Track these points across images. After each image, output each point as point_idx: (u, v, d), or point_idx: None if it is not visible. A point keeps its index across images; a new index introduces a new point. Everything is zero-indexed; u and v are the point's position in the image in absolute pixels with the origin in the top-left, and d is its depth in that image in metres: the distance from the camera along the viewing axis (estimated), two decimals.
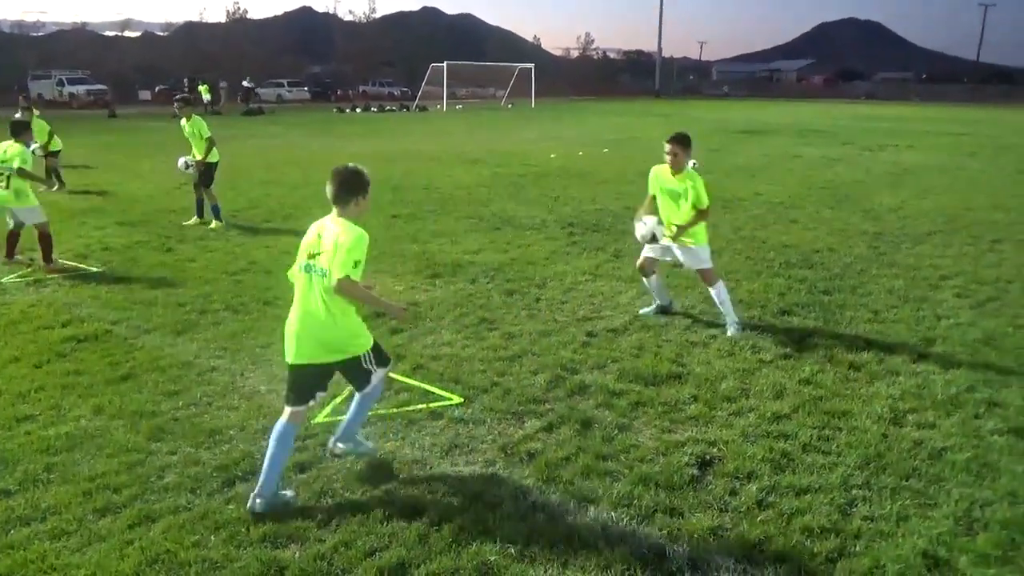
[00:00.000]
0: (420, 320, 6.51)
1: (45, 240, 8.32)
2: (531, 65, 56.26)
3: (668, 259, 6.51)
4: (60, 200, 13.00)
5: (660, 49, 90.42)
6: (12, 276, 8.02)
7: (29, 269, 8.26)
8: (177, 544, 3.41)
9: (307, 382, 3.85)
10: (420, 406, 4.82)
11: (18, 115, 14.17)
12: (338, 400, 4.90)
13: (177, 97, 11.68)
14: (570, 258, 8.75)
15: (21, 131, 8.58)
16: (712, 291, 6.30)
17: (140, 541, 3.44)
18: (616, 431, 4.49)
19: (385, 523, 3.57)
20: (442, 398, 4.94)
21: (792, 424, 4.56)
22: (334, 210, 3.83)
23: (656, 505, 3.70)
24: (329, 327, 3.76)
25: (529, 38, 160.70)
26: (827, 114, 42.67)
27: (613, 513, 3.64)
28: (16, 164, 8.20)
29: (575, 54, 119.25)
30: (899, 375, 5.30)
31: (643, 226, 6.25)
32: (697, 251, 6.27)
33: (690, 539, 3.45)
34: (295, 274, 3.89)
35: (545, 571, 3.25)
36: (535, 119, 37.78)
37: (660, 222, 6.26)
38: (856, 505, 3.71)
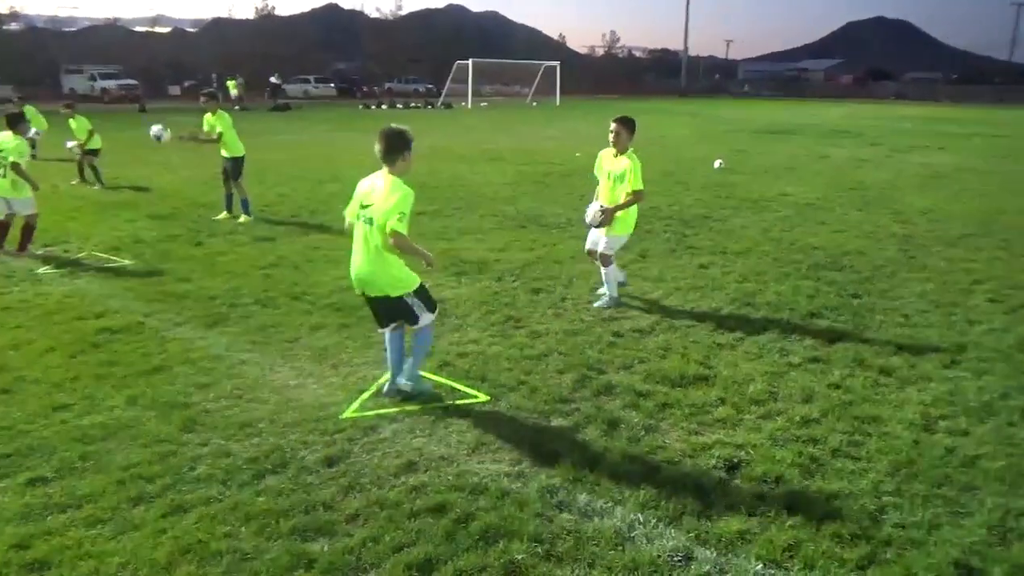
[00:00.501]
0: (446, 317, 6.54)
1: (29, 230, 8.75)
2: (556, 63, 56.18)
3: (596, 241, 6.93)
4: (92, 194, 13.23)
5: (686, 47, 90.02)
6: (47, 267, 8.17)
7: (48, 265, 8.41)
8: (209, 534, 3.46)
9: (376, 309, 4.79)
10: (447, 403, 4.85)
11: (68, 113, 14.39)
12: (365, 396, 4.94)
13: (204, 91, 11.86)
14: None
15: (17, 123, 8.79)
16: (603, 269, 6.82)
17: (173, 530, 3.50)
18: (643, 432, 4.48)
19: (412, 519, 3.60)
20: (469, 396, 4.96)
21: (821, 428, 4.52)
22: (384, 167, 4.53)
23: (683, 507, 3.69)
24: (376, 269, 4.57)
25: (554, 36, 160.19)
26: (855, 114, 42.15)
27: (640, 514, 3.64)
28: (12, 158, 8.45)
29: (600, 52, 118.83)
30: (931, 380, 5.24)
31: (589, 210, 6.78)
32: (612, 241, 6.78)
33: (717, 542, 3.44)
34: (351, 216, 4.68)
35: (572, 571, 3.26)
36: (560, 117, 37.70)
37: (602, 210, 6.67)
38: (887, 512, 3.67)
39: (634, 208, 6.79)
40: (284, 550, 3.35)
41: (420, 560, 3.29)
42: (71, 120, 14.40)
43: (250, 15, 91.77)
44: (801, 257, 8.74)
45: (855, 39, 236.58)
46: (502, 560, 3.30)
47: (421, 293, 4.73)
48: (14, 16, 77.52)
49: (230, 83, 45.46)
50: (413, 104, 49.72)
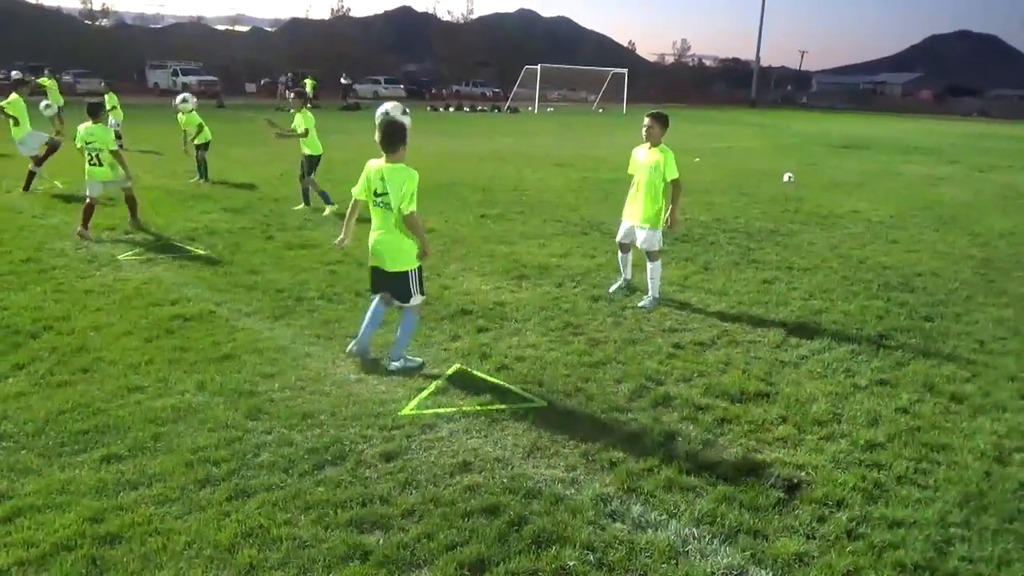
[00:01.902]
0: (505, 321, 6.59)
1: (131, 201, 9.75)
2: (624, 70, 55.83)
3: (633, 237, 7.20)
4: (172, 184, 13.75)
5: (758, 57, 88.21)
6: (128, 254, 8.54)
7: (138, 250, 8.77)
8: (270, 520, 3.57)
9: (379, 279, 5.41)
10: (503, 406, 4.88)
11: (186, 107, 14.80)
12: (424, 394, 5.01)
13: (294, 90, 12.37)
14: None
15: (97, 112, 9.59)
16: (650, 265, 7.04)
17: (236, 514, 3.62)
18: (700, 446, 4.43)
19: (466, 519, 3.64)
20: (525, 399, 4.99)
21: (887, 454, 4.39)
22: (384, 156, 5.14)
23: (739, 525, 3.64)
24: (393, 244, 5.20)
25: (624, 43, 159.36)
26: (934, 131, 40.68)
27: (695, 529, 3.60)
28: (108, 148, 9.36)
29: (670, 60, 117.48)
30: (1006, 411, 5.03)
31: (621, 229, 7.31)
32: (654, 235, 7.01)
33: (774, 563, 3.38)
34: (362, 196, 5.30)
35: None
36: (626, 125, 37.47)
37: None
38: (954, 544, 3.55)
39: (661, 202, 7.03)
40: (341, 540, 3.44)
41: (472, 560, 3.32)
42: (179, 116, 14.76)
43: (326, 15, 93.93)
44: (871, 276, 8.49)
45: (937, 53, 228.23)
46: (553, 565, 3.31)
47: (421, 274, 5.38)
48: (105, 13, 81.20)
49: (307, 82, 46.61)
50: (480, 108, 50.14)
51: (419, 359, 5.53)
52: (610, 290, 7.50)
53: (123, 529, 3.48)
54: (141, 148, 15.68)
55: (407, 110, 5.72)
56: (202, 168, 14.36)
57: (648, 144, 6.98)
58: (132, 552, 3.33)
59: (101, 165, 9.43)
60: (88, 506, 3.64)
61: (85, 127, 9.44)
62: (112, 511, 3.62)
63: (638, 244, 7.13)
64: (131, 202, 9.81)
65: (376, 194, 5.19)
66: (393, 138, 5.13)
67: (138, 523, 3.53)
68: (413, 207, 5.11)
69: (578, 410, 4.85)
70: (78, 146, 9.60)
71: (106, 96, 18.59)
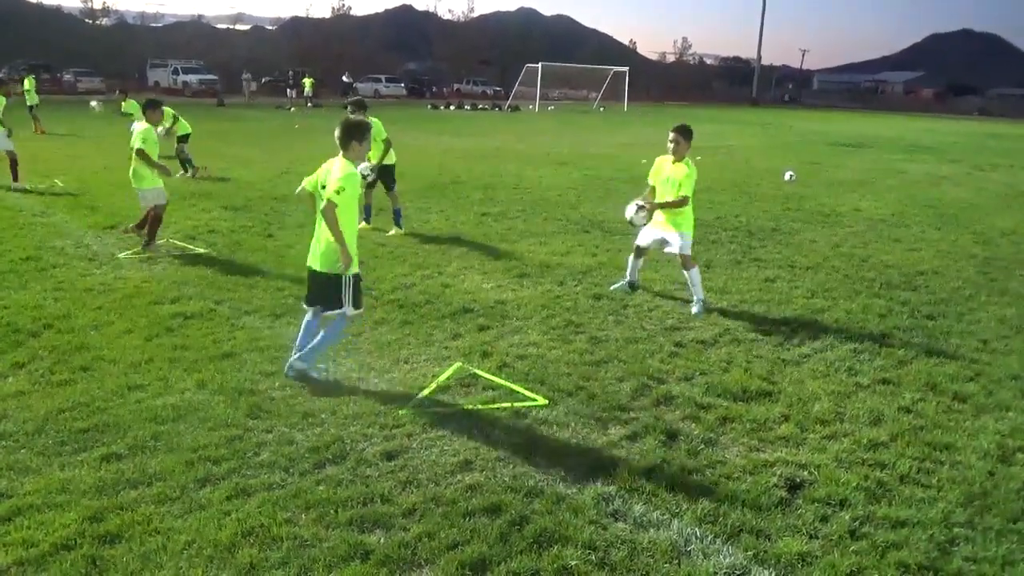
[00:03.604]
0: (506, 319, 6.57)
1: (151, 221, 8.54)
2: (625, 69, 55.82)
3: (659, 246, 7.16)
4: (171, 183, 13.69)
5: (759, 56, 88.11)
6: (128, 252, 8.52)
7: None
8: (271, 519, 3.55)
9: (311, 285, 5.20)
10: (505, 405, 4.86)
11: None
12: (425, 392, 5.00)
13: (351, 99, 10.58)
14: (659, 266, 8.63)
15: (149, 109, 8.79)
16: (687, 272, 6.99)
17: (237, 513, 3.60)
18: (702, 445, 4.41)
19: (468, 518, 3.62)
20: (527, 398, 4.97)
21: (890, 453, 4.37)
22: (340, 152, 5.00)
23: (742, 524, 3.62)
24: (327, 243, 4.96)
25: (625, 41, 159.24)
26: (935, 129, 40.63)
27: (697, 528, 3.58)
28: (137, 144, 8.38)
29: (671, 58, 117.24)
30: (1009, 410, 5.01)
31: (629, 209, 7.11)
32: (685, 239, 6.93)
33: (776, 562, 3.36)
34: (309, 186, 5.13)
35: None
36: (627, 123, 37.47)
37: (640, 208, 7.01)
38: (957, 544, 3.53)
39: (690, 207, 6.95)
40: (342, 539, 3.42)
41: (474, 559, 3.31)
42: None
43: (327, 14, 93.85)
44: (873, 275, 8.47)
45: (938, 51, 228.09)
46: (555, 565, 3.29)
47: (356, 283, 5.08)
48: (106, 11, 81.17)
49: (307, 81, 46.60)
50: (481, 106, 50.09)
51: (318, 374, 5.16)
52: (611, 287, 7.51)
53: (123, 528, 3.47)
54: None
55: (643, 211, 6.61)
56: (186, 163, 14.38)
57: (673, 158, 6.88)
58: (132, 551, 3.31)
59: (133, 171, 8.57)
60: (88, 505, 3.63)
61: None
62: (112, 510, 3.60)
63: (673, 250, 7.01)
64: (150, 222, 8.63)
65: (321, 186, 5.06)
66: (348, 135, 5.01)
67: (138, 522, 3.51)
68: (336, 199, 4.84)
69: (580, 409, 4.83)
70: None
71: (123, 103, 18.61)
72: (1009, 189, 16.39)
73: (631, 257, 7.50)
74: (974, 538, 3.58)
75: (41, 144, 19.55)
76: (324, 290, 5.11)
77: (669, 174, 6.90)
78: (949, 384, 5.38)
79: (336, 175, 4.90)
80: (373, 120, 10.29)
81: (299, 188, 5.27)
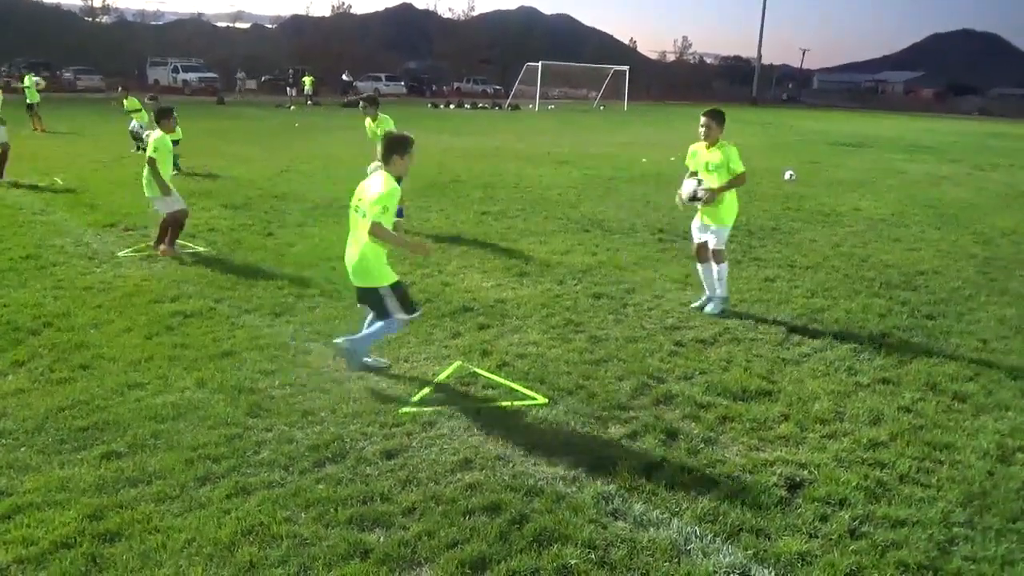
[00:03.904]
0: (506, 318, 6.57)
1: (163, 227, 8.34)
2: (625, 68, 55.78)
3: (702, 237, 6.91)
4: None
5: (759, 55, 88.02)
6: (128, 250, 8.52)
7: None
8: (270, 518, 3.55)
9: (358, 297, 5.19)
10: (505, 403, 4.86)
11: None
12: (425, 391, 5.00)
13: (363, 97, 11.12)
14: (660, 265, 8.64)
15: (163, 117, 8.45)
16: (715, 267, 6.79)
17: (236, 511, 3.60)
18: (702, 444, 4.41)
19: (467, 517, 3.62)
20: (527, 397, 4.97)
21: (889, 452, 4.37)
22: (382, 166, 5.01)
23: (742, 524, 3.62)
24: (359, 258, 4.95)
25: (625, 40, 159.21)
26: (935, 129, 40.61)
27: (697, 528, 3.58)
28: (150, 152, 8.19)
29: (671, 58, 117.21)
30: (1008, 409, 5.01)
31: (686, 185, 6.79)
32: (720, 232, 6.76)
33: (776, 562, 3.36)
34: (352, 206, 5.06)
35: None
36: (627, 122, 37.46)
37: (700, 181, 6.73)
38: (957, 543, 3.53)
39: (734, 197, 6.82)
40: (341, 538, 3.42)
41: (474, 558, 3.31)
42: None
43: (327, 13, 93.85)
44: (873, 274, 8.47)
45: (938, 51, 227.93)
46: (555, 564, 3.29)
47: (398, 290, 5.04)
48: (106, 9, 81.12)
49: (307, 79, 46.59)
50: (481, 105, 50.07)
51: (362, 361, 5.20)
52: (692, 306, 6.99)
53: (123, 527, 3.47)
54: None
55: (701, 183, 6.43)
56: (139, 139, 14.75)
57: (706, 143, 6.74)
58: (131, 550, 3.31)
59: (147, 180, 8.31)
60: (87, 503, 3.63)
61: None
62: (112, 508, 3.60)
63: (709, 242, 6.79)
64: (164, 226, 8.37)
65: (358, 199, 5.02)
66: (390, 149, 4.99)
67: (138, 520, 3.51)
68: (381, 219, 4.79)
69: (579, 408, 4.83)
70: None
71: (125, 100, 18.66)
72: (1009, 189, 16.39)
73: (698, 265, 7.05)
74: (973, 538, 3.58)
75: (41, 142, 19.55)
76: (369, 302, 5.14)
77: (706, 159, 6.73)
78: (949, 384, 5.38)
79: (377, 191, 4.84)
80: (384, 117, 10.44)
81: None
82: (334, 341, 5.20)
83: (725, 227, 6.81)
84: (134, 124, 17.47)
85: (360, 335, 5.19)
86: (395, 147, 4.98)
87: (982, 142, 31.39)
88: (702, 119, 6.72)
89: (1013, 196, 15.29)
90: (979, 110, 74.21)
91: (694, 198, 6.74)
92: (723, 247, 6.79)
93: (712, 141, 6.71)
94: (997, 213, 13.00)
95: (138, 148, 17.16)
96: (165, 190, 8.29)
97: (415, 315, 5.21)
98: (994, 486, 4.03)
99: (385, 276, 5.00)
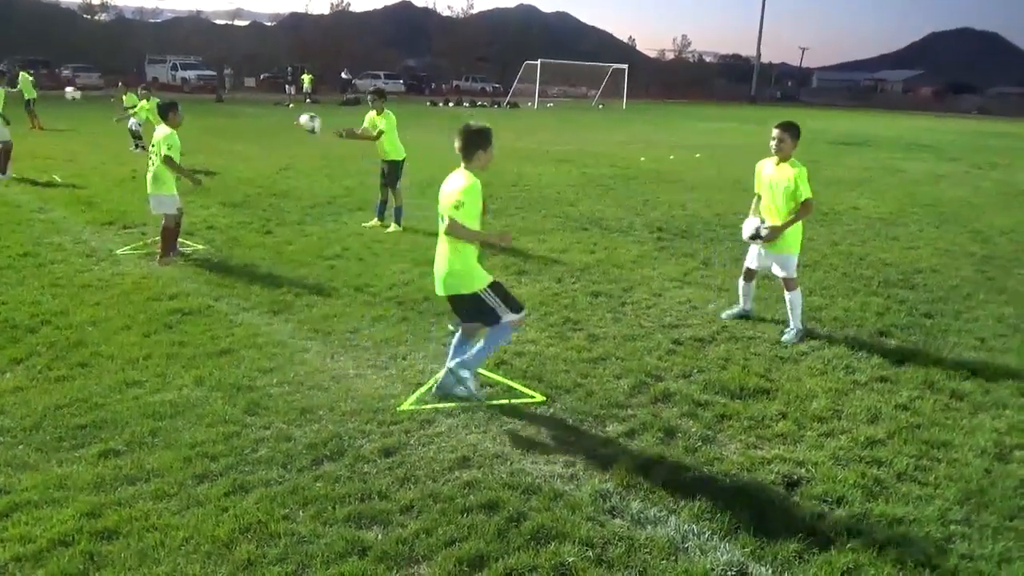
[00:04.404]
0: None
1: (166, 232, 7.98)
2: (624, 66, 55.76)
3: (765, 265, 6.46)
4: None
5: (758, 53, 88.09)
6: (126, 248, 8.52)
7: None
8: (268, 516, 3.55)
9: (454, 308, 4.86)
10: (503, 401, 4.86)
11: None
12: (423, 389, 4.99)
13: (371, 90, 10.82)
14: (658, 263, 8.65)
15: (167, 113, 8.00)
16: (788, 295, 6.30)
17: (234, 509, 3.60)
18: (700, 442, 4.41)
19: (465, 514, 3.62)
20: (525, 395, 4.97)
21: (887, 450, 4.37)
22: (461, 163, 4.59)
23: (739, 522, 3.62)
24: (446, 264, 4.64)
25: (624, 38, 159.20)
26: (934, 128, 40.65)
27: (694, 525, 3.59)
28: (164, 151, 7.77)
29: (670, 56, 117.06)
30: (1006, 408, 5.01)
31: (747, 226, 6.36)
32: (789, 259, 6.27)
33: (773, 560, 3.36)
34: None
35: None
36: (626, 120, 37.44)
37: (762, 220, 6.28)
38: (954, 541, 3.53)
39: (800, 224, 6.27)
40: (339, 536, 3.42)
41: (471, 555, 3.31)
42: (145, 103, 15.27)
43: (325, 10, 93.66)
44: (871, 273, 8.47)
45: (938, 50, 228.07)
46: (552, 562, 3.29)
47: (498, 290, 4.68)
48: (104, 7, 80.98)
49: (306, 77, 46.55)
50: (480, 103, 50.05)
51: (475, 388, 4.81)
52: (723, 315, 6.72)
53: (120, 524, 3.46)
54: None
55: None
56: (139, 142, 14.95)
57: (777, 159, 6.19)
58: (129, 547, 3.31)
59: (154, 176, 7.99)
60: (85, 501, 3.62)
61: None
62: (109, 506, 3.60)
63: (776, 271, 6.34)
64: (164, 232, 8.01)
65: (441, 204, 4.66)
66: (470, 144, 4.55)
67: (135, 518, 3.51)
68: (457, 214, 4.46)
69: (577, 406, 4.83)
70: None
71: (124, 96, 18.67)
72: (1008, 188, 16.40)
73: (741, 281, 6.68)
74: (971, 535, 3.58)
75: (39, 139, 19.53)
76: (472, 311, 4.74)
77: (774, 178, 6.16)
78: (946, 382, 5.38)
79: (455, 186, 4.51)
80: (387, 112, 10.14)
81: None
82: (447, 366, 4.80)
83: (792, 254, 6.26)
84: (132, 122, 17.48)
85: (472, 353, 4.76)
86: (477, 140, 4.54)
87: (981, 141, 31.41)
88: (775, 131, 6.13)
89: (1012, 195, 15.30)
90: (978, 109, 74.28)
91: (756, 236, 6.25)
92: (794, 275, 6.28)
93: (784, 157, 6.14)
94: (995, 212, 13.01)
95: (136, 147, 17.16)
96: (195, 180, 8.30)
97: (523, 313, 4.82)
98: (991, 484, 4.04)
99: (480, 278, 4.62)
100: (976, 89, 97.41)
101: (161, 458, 4.03)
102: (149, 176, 8.06)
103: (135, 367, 5.22)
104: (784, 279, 6.30)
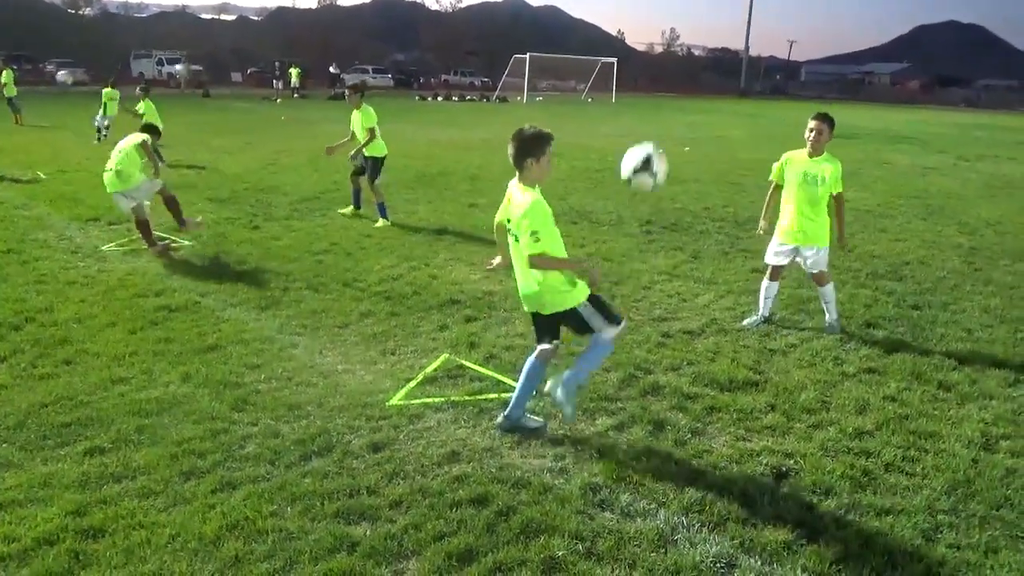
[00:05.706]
0: (493, 311, 6.55)
1: (172, 203, 8.34)
2: (613, 60, 55.75)
3: (796, 260, 6.29)
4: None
5: (747, 47, 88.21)
6: (112, 244, 8.44)
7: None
8: (256, 512, 3.53)
9: (539, 327, 4.36)
10: (492, 396, 4.85)
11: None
12: (412, 384, 4.97)
13: (349, 85, 10.65)
14: (647, 256, 8.65)
15: (154, 134, 8.37)
16: (820, 289, 6.27)
17: (221, 506, 3.57)
18: (689, 435, 4.42)
19: (454, 509, 3.61)
20: (514, 389, 4.94)
21: (875, 442, 4.39)
22: (516, 175, 4.14)
23: (728, 513, 3.63)
24: (531, 285, 4.16)
25: (613, 32, 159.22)
26: (921, 120, 40.84)
27: (684, 518, 3.59)
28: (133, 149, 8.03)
29: (659, 49, 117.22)
30: (993, 399, 5.04)
31: (635, 153, 4.81)
32: (822, 252, 6.16)
33: (762, 551, 3.37)
34: (502, 218, 4.37)
35: (612, 571, 3.23)
36: (615, 114, 37.44)
37: (661, 151, 4.84)
38: (942, 531, 3.55)
39: (826, 212, 6.17)
40: (327, 532, 3.40)
41: (460, 550, 3.30)
42: (141, 103, 15.03)
43: (313, 4, 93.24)
44: (859, 265, 8.50)
45: (925, 43, 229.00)
46: (542, 555, 3.28)
47: (596, 303, 4.19)
48: (89, 1, 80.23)
49: (293, 71, 46.29)
50: (468, 97, 49.91)
51: (572, 410, 4.35)
52: (743, 323, 6.38)
53: (106, 522, 3.43)
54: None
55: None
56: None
57: (810, 151, 6.05)
58: (115, 546, 3.28)
59: (116, 173, 8.06)
60: (71, 500, 3.59)
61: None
62: (95, 504, 3.57)
63: (806, 267, 6.19)
64: (171, 204, 8.39)
65: (508, 219, 4.23)
66: (522, 152, 4.03)
67: (121, 516, 3.48)
68: (537, 248, 3.94)
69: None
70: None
71: (141, 103, 18.50)
72: (995, 180, 16.50)
73: (765, 281, 6.37)
74: (958, 525, 3.60)
75: (24, 135, 19.33)
76: (569, 325, 4.28)
77: (810, 171, 5.99)
78: (934, 373, 5.41)
79: (520, 207, 4.02)
80: (366, 107, 9.89)
81: (495, 223, 4.57)
82: (545, 389, 4.40)
83: (826, 247, 6.13)
84: (98, 117, 17.42)
85: (573, 371, 4.31)
86: (529, 148, 4.00)
87: (968, 133, 31.58)
88: (812, 123, 5.98)
89: (998, 187, 15.39)
90: (965, 101, 74.71)
91: (642, 170, 4.87)
92: (826, 268, 6.17)
93: (819, 150, 6.04)
94: (982, 204, 13.08)
95: (98, 140, 17.08)
96: (155, 170, 8.32)
97: (623, 326, 4.31)
98: (978, 474, 4.06)
99: (577, 293, 4.13)
100: (963, 82, 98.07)
101: (147, 455, 4.00)
102: (108, 177, 8.05)
103: (121, 364, 5.18)
104: (816, 275, 6.19)
